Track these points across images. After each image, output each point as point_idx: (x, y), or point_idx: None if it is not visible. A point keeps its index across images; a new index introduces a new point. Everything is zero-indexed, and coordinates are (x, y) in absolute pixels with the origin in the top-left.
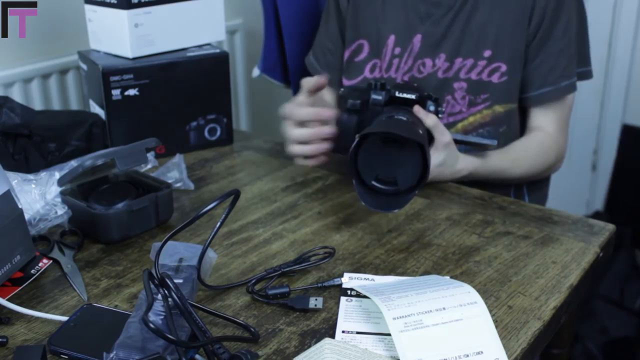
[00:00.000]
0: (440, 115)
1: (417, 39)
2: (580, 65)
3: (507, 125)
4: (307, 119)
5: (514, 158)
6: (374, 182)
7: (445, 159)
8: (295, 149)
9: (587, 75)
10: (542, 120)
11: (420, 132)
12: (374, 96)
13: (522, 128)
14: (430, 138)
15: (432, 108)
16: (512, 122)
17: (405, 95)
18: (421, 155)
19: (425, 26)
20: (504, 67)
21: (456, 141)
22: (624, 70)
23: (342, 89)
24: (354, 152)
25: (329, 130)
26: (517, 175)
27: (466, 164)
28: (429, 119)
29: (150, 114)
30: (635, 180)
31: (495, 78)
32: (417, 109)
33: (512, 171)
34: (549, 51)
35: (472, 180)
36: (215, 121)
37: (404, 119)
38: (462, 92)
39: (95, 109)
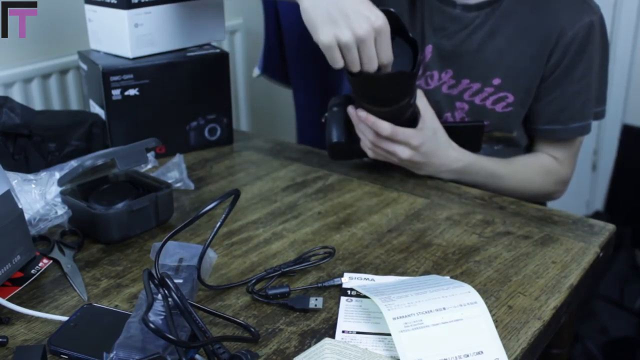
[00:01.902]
0: None
1: (429, 50)
2: (595, 105)
3: (504, 144)
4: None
5: (512, 169)
6: None
7: (437, 129)
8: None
9: (600, 115)
10: (549, 150)
11: None
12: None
13: (527, 150)
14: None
15: None
16: (510, 143)
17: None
18: (410, 44)
19: (437, 38)
20: (510, 98)
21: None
22: (624, 70)
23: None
24: None
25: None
26: (512, 188)
27: (461, 154)
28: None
29: (150, 114)
30: (635, 180)
31: (499, 107)
32: None
33: (507, 181)
34: (564, 91)
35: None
36: (215, 121)
37: None
38: (462, 114)
39: (95, 109)
